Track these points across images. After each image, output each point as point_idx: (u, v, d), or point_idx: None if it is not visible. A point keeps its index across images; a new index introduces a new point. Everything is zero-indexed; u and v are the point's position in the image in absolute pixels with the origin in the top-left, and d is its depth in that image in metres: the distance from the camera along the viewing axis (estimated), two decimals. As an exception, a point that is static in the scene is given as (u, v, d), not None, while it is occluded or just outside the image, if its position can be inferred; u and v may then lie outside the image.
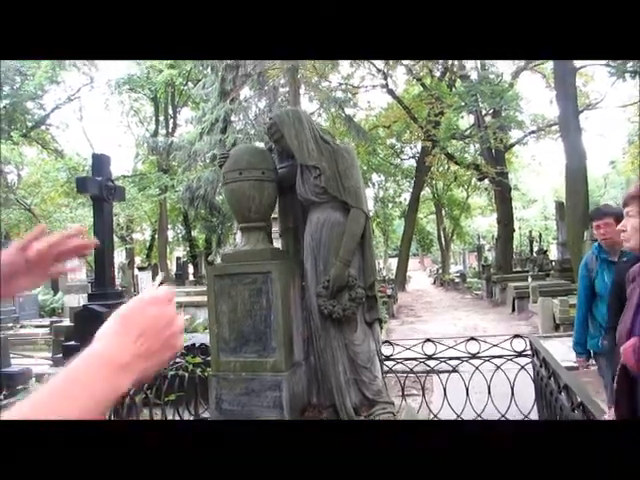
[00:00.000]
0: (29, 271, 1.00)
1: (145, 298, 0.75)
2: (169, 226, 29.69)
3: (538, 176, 35.47)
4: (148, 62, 21.96)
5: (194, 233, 28.94)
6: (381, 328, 3.19)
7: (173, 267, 27.49)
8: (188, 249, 29.49)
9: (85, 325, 6.26)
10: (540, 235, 23.78)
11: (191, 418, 4.33)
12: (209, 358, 4.43)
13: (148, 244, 31.92)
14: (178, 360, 4.28)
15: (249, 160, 3.09)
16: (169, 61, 21.51)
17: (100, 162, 7.01)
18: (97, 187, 6.72)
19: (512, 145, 21.88)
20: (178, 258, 28.17)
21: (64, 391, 0.62)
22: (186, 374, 4.22)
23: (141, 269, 20.42)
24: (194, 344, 4.66)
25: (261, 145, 14.00)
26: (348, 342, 3.00)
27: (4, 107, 22.55)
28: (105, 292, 6.52)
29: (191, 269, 26.77)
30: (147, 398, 3.74)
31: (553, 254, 22.25)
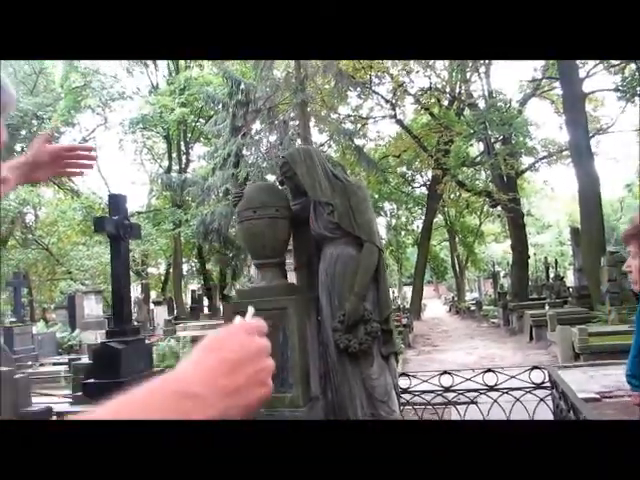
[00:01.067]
0: (47, 165, 1.20)
1: (233, 325, 0.64)
2: (183, 260, 29.92)
3: (551, 201, 35.35)
4: (161, 102, 22.55)
5: (208, 266, 29.12)
6: (397, 361, 3.19)
7: (188, 300, 27.60)
8: (202, 282, 29.63)
9: (104, 362, 6.28)
10: (556, 261, 23.52)
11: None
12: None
13: (163, 278, 32.15)
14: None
15: (263, 199, 3.17)
16: (181, 100, 22.09)
17: (116, 201, 7.16)
18: (114, 226, 6.84)
19: (523, 171, 21.92)
20: (193, 291, 28.32)
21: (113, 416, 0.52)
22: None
23: (157, 304, 20.53)
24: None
25: (272, 179, 14.18)
26: (365, 376, 3.00)
27: (22, 150, 23.21)
28: (123, 329, 6.57)
29: (206, 302, 26.86)
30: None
31: (570, 280, 21.99)
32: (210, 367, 0.57)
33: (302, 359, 2.95)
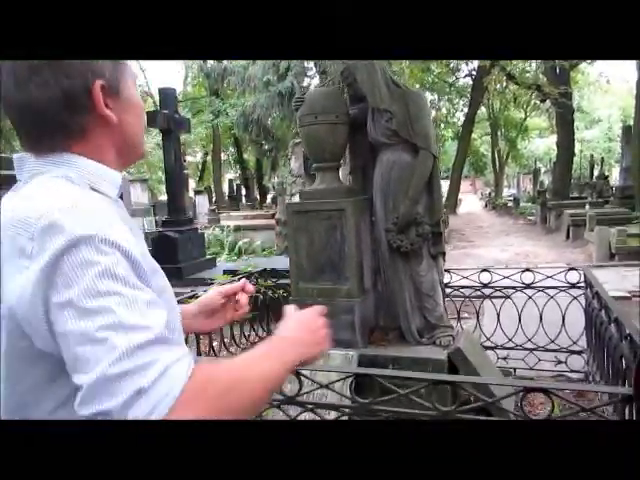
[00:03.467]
0: (221, 314, 1.27)
1: (306, 311, 1.11)
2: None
3: (605, 94, 33.26)
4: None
5: (245, 156, 29.36)
6: (444, 260, 3.47)
7: (225, 189, 28.23)
8: (240, 172, 30.05)
9: (161, 250, 6.82)
10: (602, 159, 22.73)
11: (264, 334, 4.86)
12: (279, 281, 4.91)
13: (200, 167, 32.69)
14: (253, 282, 4.75)
15: (324, 104, 3.30)
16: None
17: (166, 95, 7.29)
18: (165, 120, 7.04)
19: (578, 63, 20.52)
20: (230, 181, 28.85)
21: (265, 353, 0.91)
22: (260, 295, 4.69)
23: (197, 192, 21.12)
24: (265, 269, 5.09)
25: (311, 65, 13.71)
26: (414, 273, 3.31)
27: None
28: (178, 219, 7.04)
29: (243, 191, 27.48)
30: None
31: (614, 179, 21.42)
32: (299, 329, 1.03)
33: (357, 256, 3.25)
